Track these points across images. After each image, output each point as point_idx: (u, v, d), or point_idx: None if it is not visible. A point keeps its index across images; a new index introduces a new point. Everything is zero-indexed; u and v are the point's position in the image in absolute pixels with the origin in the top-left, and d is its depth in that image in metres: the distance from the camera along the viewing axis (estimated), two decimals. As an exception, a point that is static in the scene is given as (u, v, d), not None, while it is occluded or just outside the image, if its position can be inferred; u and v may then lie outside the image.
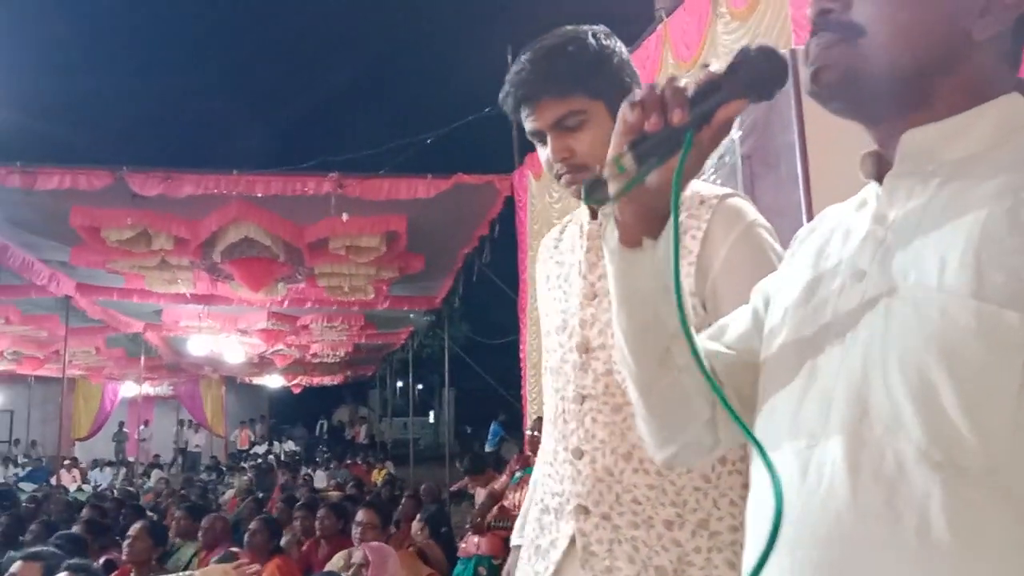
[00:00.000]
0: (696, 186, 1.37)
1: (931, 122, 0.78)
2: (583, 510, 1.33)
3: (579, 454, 1.35)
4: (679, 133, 0.76)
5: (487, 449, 14.81)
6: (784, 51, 0.80)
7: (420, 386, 24.76)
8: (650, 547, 1.28)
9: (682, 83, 0.77)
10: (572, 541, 1.33)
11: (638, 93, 0.78)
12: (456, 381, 15.89)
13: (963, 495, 0.65)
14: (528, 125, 1.39)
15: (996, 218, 0.68)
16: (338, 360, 17.58)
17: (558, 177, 1.39)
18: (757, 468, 0.83)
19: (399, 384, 24.94)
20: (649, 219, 0.85)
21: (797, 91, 2.38)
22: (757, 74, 0.77)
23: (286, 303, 11.35)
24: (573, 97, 1.34)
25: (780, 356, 0.84)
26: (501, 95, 1.40)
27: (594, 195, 0.82)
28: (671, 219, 0.81)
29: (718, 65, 0.78)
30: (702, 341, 0.94)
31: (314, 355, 16.48)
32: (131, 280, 10.04)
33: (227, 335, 13.77)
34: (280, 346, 15.31)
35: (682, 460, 1.00)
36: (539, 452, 1.55)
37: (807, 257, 0.89)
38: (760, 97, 0.78)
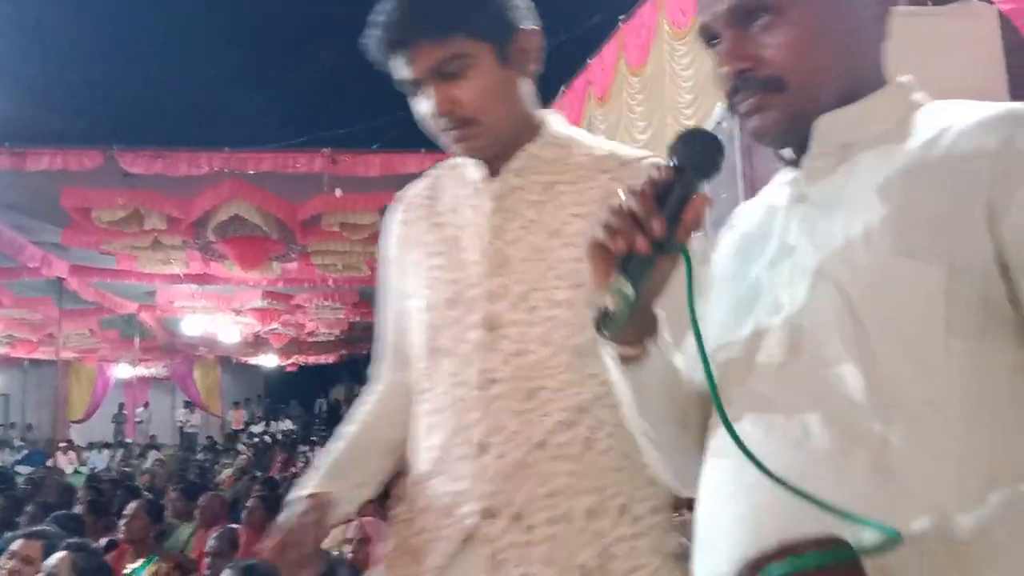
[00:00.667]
0: (612, 146, 1.26)
1: (826, 112, 0.85)
2: (489, 513, 1.14)
3: (483, 448, 1.16)
4: (663, 245, 0.78)
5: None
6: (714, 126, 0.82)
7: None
8: (570, 544, 1.13)
9: (635, 202, 0.78)
10: (464, 547, 1.16)
11: (609, 221, 0.79)
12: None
13: (907, 428, 0.73)
14: (402, 73, 1.18)
15: (911, 186, 0.78)
16: (333, 338, 17.59)
17: (442, 132, 1.21)
18: (715, 441, 0.87)
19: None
20: (643, 323, 0.86)
21: None
22: (700, 165, 0.80)
23: (280, 282, 11.32)
24: (454, 39, 1.14)
25: (720, 331, 0.88)
26: (368, 39, 1.18)
27: (609, 328, 0.81)
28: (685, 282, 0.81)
29: (658, 162, 0.83)
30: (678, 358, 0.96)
31: (309, 333, 16.47)
32: (124, 261, 9.98)
33: (222, 315, 13.74)
34: (275, 325, 15.29)
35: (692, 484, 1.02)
36: (409, 440, 1.28)
37: (734, 240, 0.95)
38: (711, 176, 0.82)
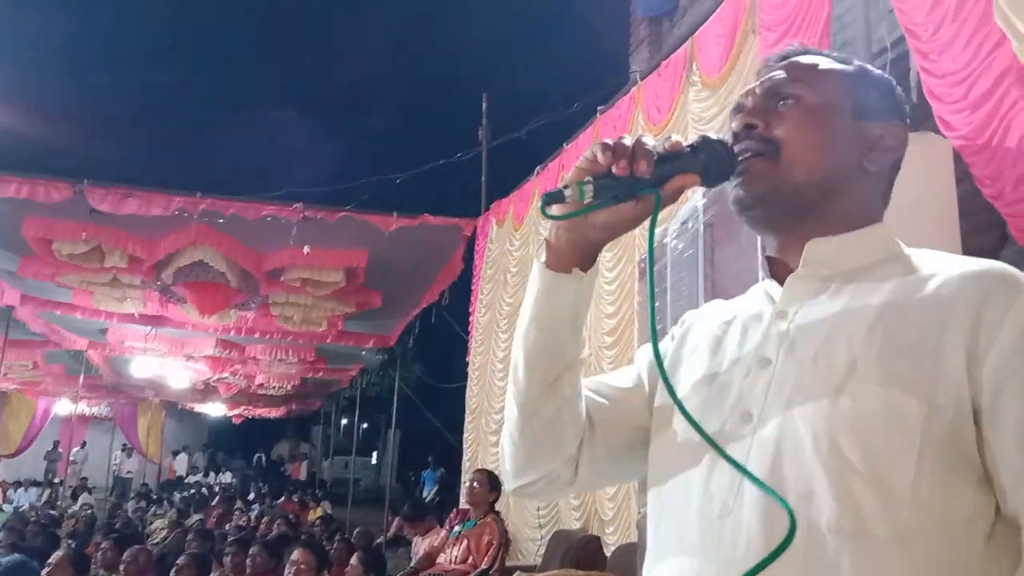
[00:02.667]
0: None
1: (826, 235, 0.93)
2: None
3: None
4: (639, 185, 0.84)
5: (425, 495, 14.56)
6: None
7: (365, 425, 24.39)
8: None
9: (650, 144, 0.86)
10: None
11: (612, 139, 0.86)
12: (402, 423, 15.66)
13: (871, 558, 0.76)
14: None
15: (897, 323, 0.83)
16: (283, 393, 17.25)
17: None
18: (659, 523, 0.92)
19: (343, 421, 24.54)
20: (583, 251, 0.92)
21: None
22: (712, 161, 0.89)
23: (236, 331, 11.16)
24: None
25: (680, 432, 0.92)
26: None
27: (551, 211, 0.88)
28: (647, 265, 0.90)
29: (682, 139, 0.88)
30: (584, 387, 1.02)
31: (260, 386, 16.16)
32: (79, 296, 9.78)
33: (173, 359, 13.45)
34: (226, 374, 14.99)
35: (537, 491, 1.05)
36: None
37: (704, 343, 0.99)
38: (708, 182, 0.90)
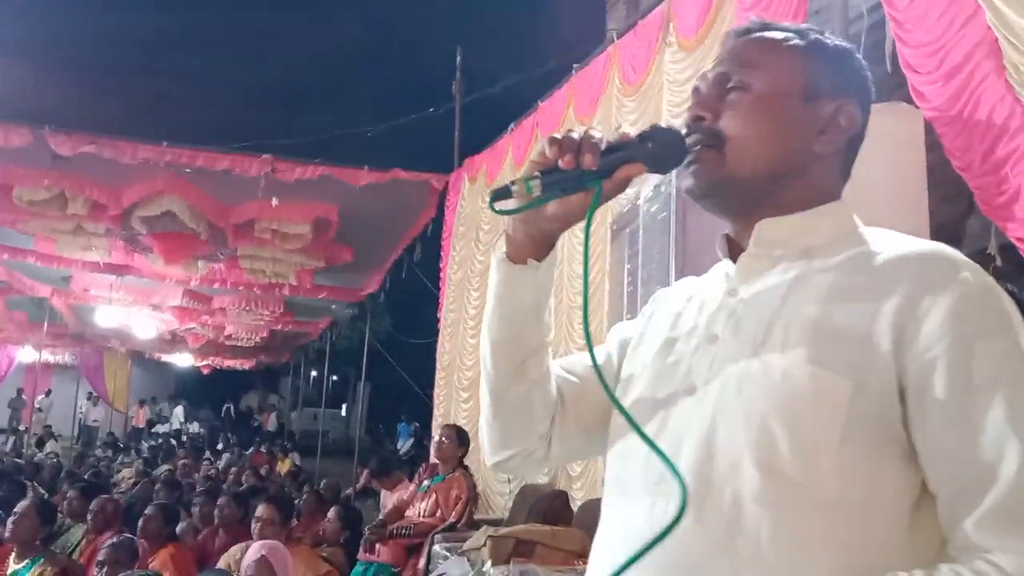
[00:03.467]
0: None
1: (778, 216, 0.96)
2: None
3: None
4: (585, 176, 0.88)
5: (400, 447, 14.64)
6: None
7: (334, 378, 24.40)
8: None
9: (597, 136, 0.89)
10: None
11: (559, 133, 0.89)
12: (372, 376, 15.69)
13: (791, 529, 0.81)
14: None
15: (832, 305, 0.87)
16: (252, 345, 17.18)
17: None
18: (608, 490, 0.99)
19: (313, 374, 24.51)
20: (539, 242, 0.97)
21: None
22: (661, 149, 0.91)
23: (203, 281, 11.05)
24: None
25: (635, 404, 0.97)
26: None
27: (497, 206, 0.92)
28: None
29: (631, 130, 0.94)
30: (554, 365, 1.08)
31: (228, 337, 16.07)
32: (41, 243, 9.60)
33: (138, 309, 13.30)
34: (193, 325, 14.87)
35: (514, 466, 1.11)
36: None
37: (666, 319, 1.04)
38: (657, 169, 0.93)
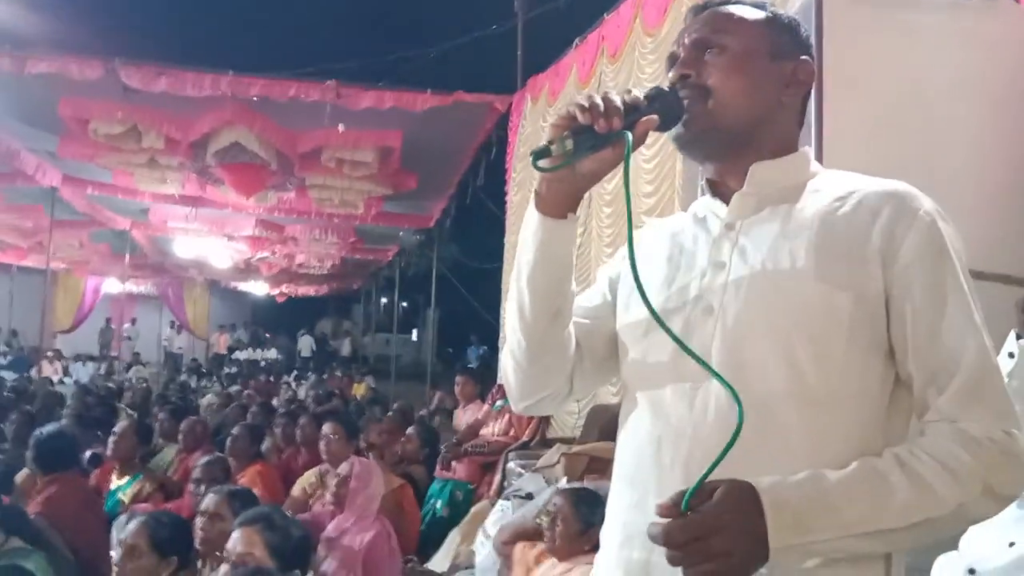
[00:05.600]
0: None
1: (758, 160, 1.12)
2: None
3: None
4: (612, 135, 1.00)
5: (470, 366, 14.91)
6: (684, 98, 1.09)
7: (404, 304, 24.81)
8: None
9: (616, 100, 1.01)
10: None
11: (586, 98, 1.01)
12: (441, 301, 15.91)
13: (812, 420, 1.00)
14: None
15: (828, 231, 1.04)
16: (324, 272, 17.56)
17: None
18: (639, 401, 1.12)
19: (383, 300, 24.98)
20: (571, 197, 1.08)
21: (819, 87, 2.36)
22: (665, 107, 1.06)
23: (275, 211, 11.25)
24: None
25: (651, 326, 1.07)
26: None
27: (539, 165, 1.02)
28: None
29: (639, 91, 1.05)
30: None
31: (300, 265, 16.43)
32: (119, 176, 9.88)
33: (214, 239, 13.67)
34: (266, 253, 15.24)
35: (543, 407, 1.25)
36: None
37: (658, 254, 1.17)
38: (665, 126, 1.07)
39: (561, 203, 1.08)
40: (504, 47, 8.36)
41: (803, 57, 1.15)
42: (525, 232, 1.11)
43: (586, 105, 1.00)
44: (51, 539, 2.84)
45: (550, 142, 1.00)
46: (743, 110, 1.10)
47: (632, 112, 1.02)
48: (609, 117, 0.99)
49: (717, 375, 0.98)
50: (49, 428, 3.95)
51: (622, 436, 1.16)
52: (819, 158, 2.66)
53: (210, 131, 8.04)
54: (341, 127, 7.64)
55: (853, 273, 1.01)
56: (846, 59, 2.56)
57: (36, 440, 3.73)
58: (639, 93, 1.05)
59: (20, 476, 4.03)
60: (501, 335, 7.88)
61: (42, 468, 3.65)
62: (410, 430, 5.50)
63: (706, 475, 0.91)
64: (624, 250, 1.20)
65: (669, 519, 0.90)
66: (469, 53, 8.87)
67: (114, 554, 2.50)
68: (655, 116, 1.04)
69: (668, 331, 1.00)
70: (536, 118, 7.22)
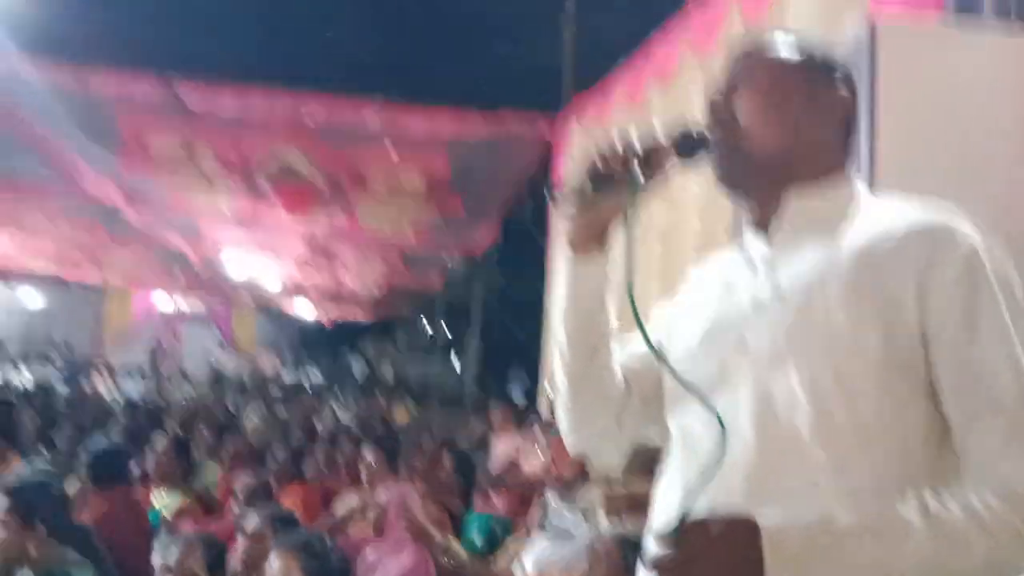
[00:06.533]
0: None
1: (797, 191, 1.14)
2: None
3: None
4: (629, 175, 1.08)
5: (515, 401, 14.81)
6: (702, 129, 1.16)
7: (448, 331, 24.90)
8: None
9: (638, 147, 1.08)
10: None
11: (605, 148, 1.10)
12: (484, 329, 15.91)
13: (841, 452, 1.01)
14: None
15: (861, 269, 1.05)
16: (370, 296, 17.68)
17: None
18: (675, 437, 1.17)
19: (428, 326, 25.10)
20: (598, 233, 1.14)
21: (871, 102, 2.32)
22: (686, 148, 1.13)
23: (324, 235, 11.36)
24: None
25: (687, 355, 1.14)
26: None
27: (562, 206, 1.13)
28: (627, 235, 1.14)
29: (660, 132, 1.12)
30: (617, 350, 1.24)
31: (347, 289, 16.58)
32: (173, 194, 10.07)
33: (264, 259, 13.86)
34: (315, 277, 15.40)
35: (592, 448, 1.34)
36: None
37: (710, 292, 1.21)
38: (683, 158, 1.13)
39: (585, 240, 1.15)
40: (549, 63, 8.34)
41: (842, 93, 1.18)
42: (559, 270, 1.20)
43: (604, 150, 1.09)
44: (100, 552, 2.87)
45: (572, 189, 1.11)
46: (775, 142, 1.13)
47: (651, 154, 1.10)
48: (625, 160, 1.08)
49: (710, 406, 1.04)
50: (104, 443, 4.02)
51: (662, 475, 1.20)
52: (872, 181, 2.59)
53: (262, 151, 8.16)
54: (390, 149, 7.69)
55: (885, 312, 1.02)
56: (900, 82, 2.51)
57: (92, 454, 3.79)
58: (662, 136, 1.12)
59: (69, 488, 4.05)
60: (543, 366, 7.80)
61: (95, 482, 3.70)
62: (446, 460, 5.44)
63: (691, 503, 0.98)
64: (682, 287, 1.31)
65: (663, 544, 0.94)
66: (514, 70, 8.90)
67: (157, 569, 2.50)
68: (672, 156, 1.11)
69: (666, 363, 1.08)
70: (582, 140, 7.15)
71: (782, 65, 1.18)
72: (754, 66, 1.18)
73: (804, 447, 1.01)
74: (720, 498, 1.00)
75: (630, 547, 2.67)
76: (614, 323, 1.21)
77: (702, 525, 0.94)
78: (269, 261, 13.96)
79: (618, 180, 1.08)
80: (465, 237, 11.35)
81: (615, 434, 1.25)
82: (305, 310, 22.29)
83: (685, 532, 0.93)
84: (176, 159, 8.34)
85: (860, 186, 1.18)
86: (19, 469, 3.84)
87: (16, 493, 2.72)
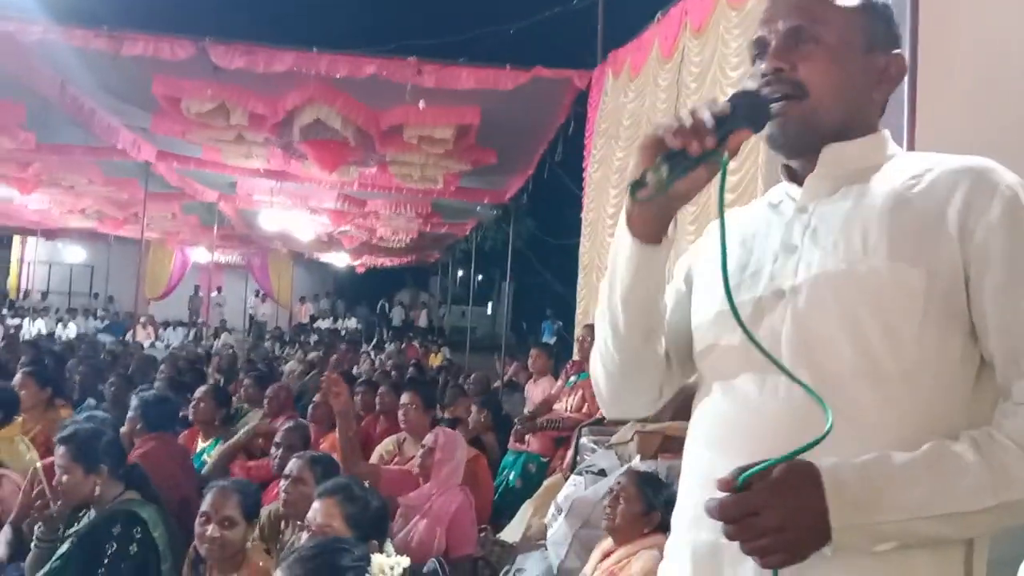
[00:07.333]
0: None
1: (835, 144, 1.10)
2: None
3: None
4: (705, 155, 0.98)
5: (545, 341, 14.97)
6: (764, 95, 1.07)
7: (480, 277, 25.03)
8: None
9: (706, 117, 0.98)
10: None
11: (675, 121, 0.99)
12: (517, 275, 16.00)
13: (884, 395, 0.99)
14: None
15: (901, 210, 1.03)
16: (403, 245, 17.83)
17: None
18: (712, 384, 1.13)
19: (460, 273, 25.25)
20: (666, 219, 1.07)
21: (912, 78, 2.29)
22: (752, 113, 1.02)
23: (356, 186, 11.46)
24: None
25: (721, 312, 1.09)
26: None
27: (637, 198, 1.02)
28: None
29: (723, 101, 1.02)
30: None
31: (380, 238, 16.73)
32: (208, 151, 10.23)
33: (297, 211, 14.03)
34: (347, 227, 15.56)
35: (633, 414, 1.33)
36: None
37: (733, 239, 1.15)
38: (757, 130, 1.04)
39: (655, 228, 1.07)
40: (584, 21, 8.28)
41: (895, 52, 1.12)
42: (618, 251, 1.11)
43: (675, 127, 0.98)
44: (156, 492, 3.01)
45: (644, 172, 0.99)
46: (839, 110, 1.09)
47: (722, 125, 0.98)
48: (701, 137, 0.97)
49: (795, 378, 0.99)
50: (153, 391, 4.19)
51: (695, 417, 1.17)
52: (911, 138, 2.58)
53: (294, 108, 8.23)
54: (422, 104, 7.71)
55: (927, 250, 0.99)
56: (941, 36, 2.47)
57: (143, 401, 3.96)
58: (725, 102, 1.01)
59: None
60: (577, 311, 7.90)
61: (147, 429, 3.87)
62: (480, 403, 5.60)
63: (777, 461, 0.92)
64: (700, 242, 1.27)
65: (726, 494, 0.92)
66: (549, 28, 8.82)
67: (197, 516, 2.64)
68: (748, 131, 1.01)
69: (746, 331, 1.02)
70: (617, 94, 7.13)
71: (846, 11, 1.10)
72: (813, 5, 1.10)
73: (850, 391, 0.99)
74: (767, 444, 0.98)
75: (650, 486, 2.77)
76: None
77: (764, 473, 0.92)
78: (303, 213, 14.12)
79: (694, 158, 0.98)
80: (496, 185, 11.38)
81: (655, 401, 1.25)
82: (339, 259, 22.56)
83: (748, 481, 0.91)
84: (209, 118, 8.45)
85: (895, 145, 1.15)
86: (71, 418, 4.03)
87: (74, 440, 2.83)
